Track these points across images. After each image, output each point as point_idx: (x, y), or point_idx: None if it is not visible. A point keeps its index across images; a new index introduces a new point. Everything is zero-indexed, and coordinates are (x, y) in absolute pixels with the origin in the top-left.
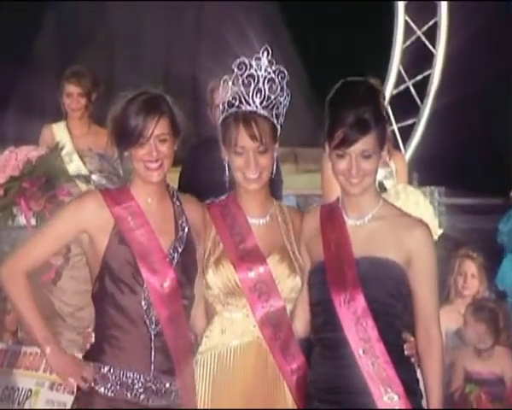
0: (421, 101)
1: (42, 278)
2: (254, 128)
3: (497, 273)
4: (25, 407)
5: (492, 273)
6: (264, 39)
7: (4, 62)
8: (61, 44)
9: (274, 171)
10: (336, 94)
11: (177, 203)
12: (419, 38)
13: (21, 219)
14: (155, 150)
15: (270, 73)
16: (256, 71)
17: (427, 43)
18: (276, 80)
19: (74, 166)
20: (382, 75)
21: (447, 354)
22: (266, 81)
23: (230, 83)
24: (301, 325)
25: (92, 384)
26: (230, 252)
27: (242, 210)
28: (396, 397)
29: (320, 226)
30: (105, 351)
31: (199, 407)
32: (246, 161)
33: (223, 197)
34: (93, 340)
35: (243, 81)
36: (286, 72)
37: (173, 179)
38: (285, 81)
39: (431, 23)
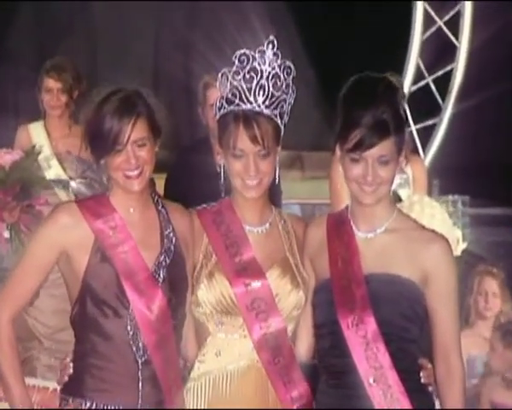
0: (443, 99)
1: None
2: (256, 129)
3: None
4: None
5: None
6: (269, 30)
7: None
8: (38, 34)
9: (277, 177)
10: (351, 90)
11: (163, 212)
12: (440, 28)
13: None
14: (134, 157)
15: (274, 68)
16: (259, 65)
17: (449, 34)
18: (282, 76)
19: (53, 172)
20: (399, 70)
21: (469, 383)
22: (270, 77)
23: (230, 77)
24: (304, 347)
25: None
26: (225, 265)
27: (238, 217)
28: None
29: (326, 239)
30: (86, 383)
31: None
32: (245, 166)
33: (214, 204)
34: (71, 371)
35: (244, 76)
36: (292, 67)
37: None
38: (291, 77)
39: (453, 12)
